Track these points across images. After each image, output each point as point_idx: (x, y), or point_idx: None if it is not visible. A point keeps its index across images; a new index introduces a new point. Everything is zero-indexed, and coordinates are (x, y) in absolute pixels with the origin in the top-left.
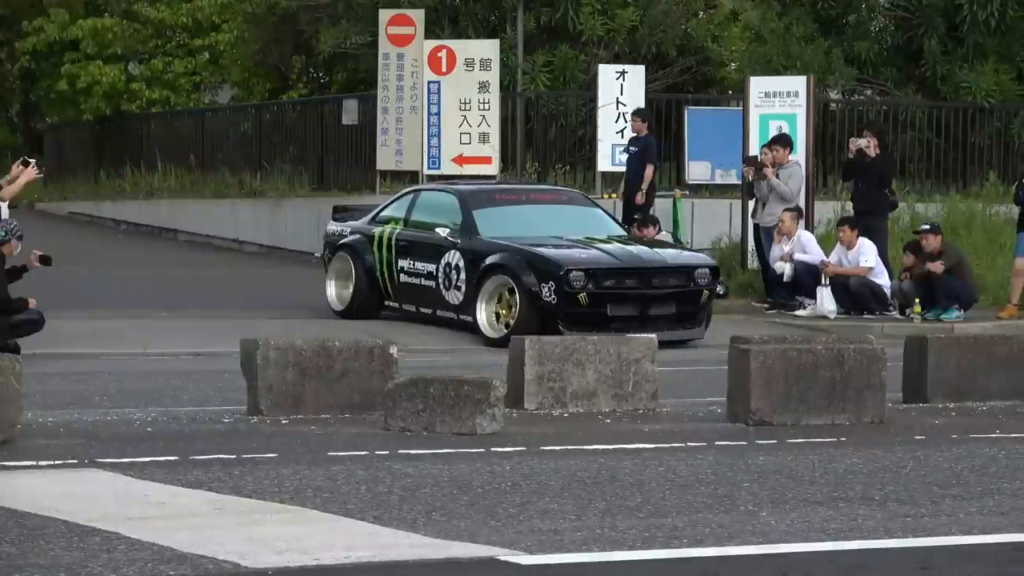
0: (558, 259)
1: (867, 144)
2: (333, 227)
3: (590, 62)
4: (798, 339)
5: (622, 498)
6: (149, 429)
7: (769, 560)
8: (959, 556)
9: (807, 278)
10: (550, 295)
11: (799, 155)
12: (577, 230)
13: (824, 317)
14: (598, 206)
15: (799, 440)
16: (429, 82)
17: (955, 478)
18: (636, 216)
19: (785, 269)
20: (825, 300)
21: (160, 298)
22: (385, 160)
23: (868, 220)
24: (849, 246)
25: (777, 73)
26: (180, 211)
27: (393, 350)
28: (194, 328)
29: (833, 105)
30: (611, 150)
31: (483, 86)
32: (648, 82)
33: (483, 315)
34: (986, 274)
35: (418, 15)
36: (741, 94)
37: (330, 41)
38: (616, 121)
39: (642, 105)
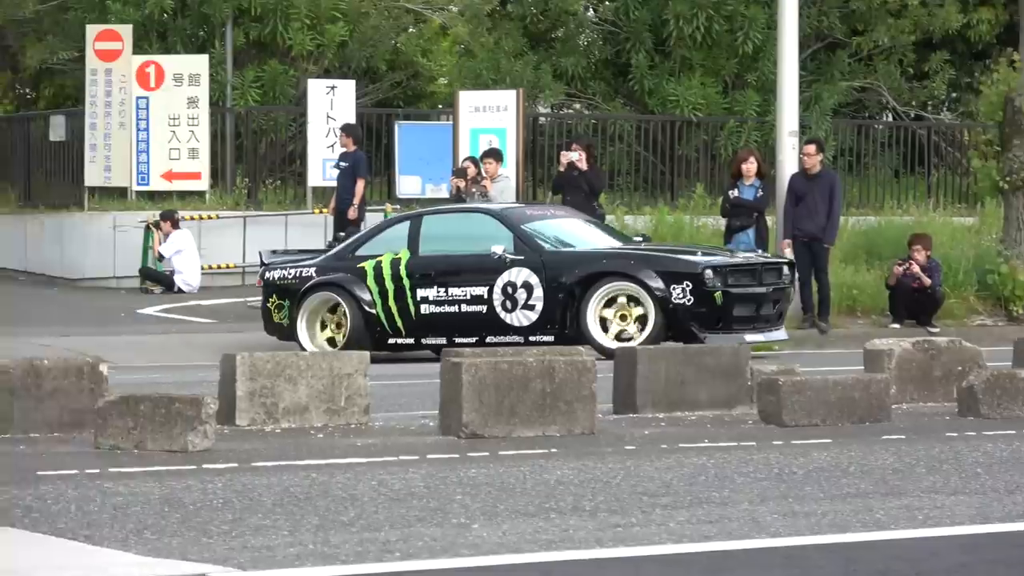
0: (690, 258)
1: (578, 157)
2: (286, 271)
3: (300, 77)
4: (509, 352)
5: (335, 513)
6: None
7: (480, 573)
8: (670, 565)
9: None
10: (684, 296)
11: (509, 168)
12: (606, 241)
13: None
14: (592, 220)
15: (511, 452)
16: (137, 98)
17: (665, 487)
18: (340, 234)
19: None
20: None
21: None
22: (93, 176)
23: None
24: None
25: (487, 87)
26: None
27: (103, 368)
28: None
29: (543, 119)
30: (322, 165)
31: (192, 101)
32: (359, 97)
33: (594, 327)
34: None
35: (126, 30)
36: (451, 108)
37: (36, 56)
38: (326, 136)
39: (352, 120)
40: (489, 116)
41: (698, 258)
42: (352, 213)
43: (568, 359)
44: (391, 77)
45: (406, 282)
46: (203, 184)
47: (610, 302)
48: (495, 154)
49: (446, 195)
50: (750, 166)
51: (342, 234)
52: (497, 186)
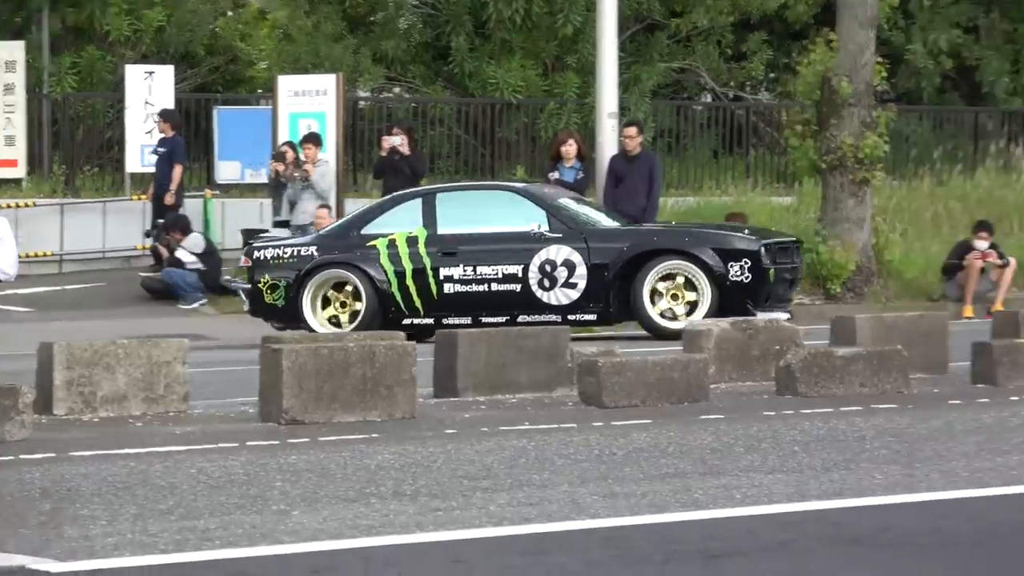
0: (746, 236)
1: (400, 142)
2: (280, 250)
3: (118, 63)
4: (330, 337)
5: (154, 501)
6: None
7: (300, 559)
8: (491, 548)
9: None
10: (742, 274)
11: (329, 153)
12: (609, 220)
13: None
14: (584, 199)
15: (331, 438)
16: None
17: (485, 471)
18: (160, 220)
19: None
20: None
21: None
22: None
23: None
24: None
25: (306, 72)
26: None
27: None
28: None
29: (363, 103)
30: (140, 151)
31: (8, 88)
32: (177, 82)
33: (649, 305)
34: None
35: None
36: (270, 93)
37: None
38: (144, 122)
39: (171, 105)
40: (309, 100)
41: (752, 236)
42: (169, 199)
43: (388, 343)
44: (210, 62)
45: (427, 261)
46: (20, 172)
47: (662, 279)
48: (314, 139)
49: (265, 180)
50: (570, 148)
51: (161, 221)
52: (318, 170)
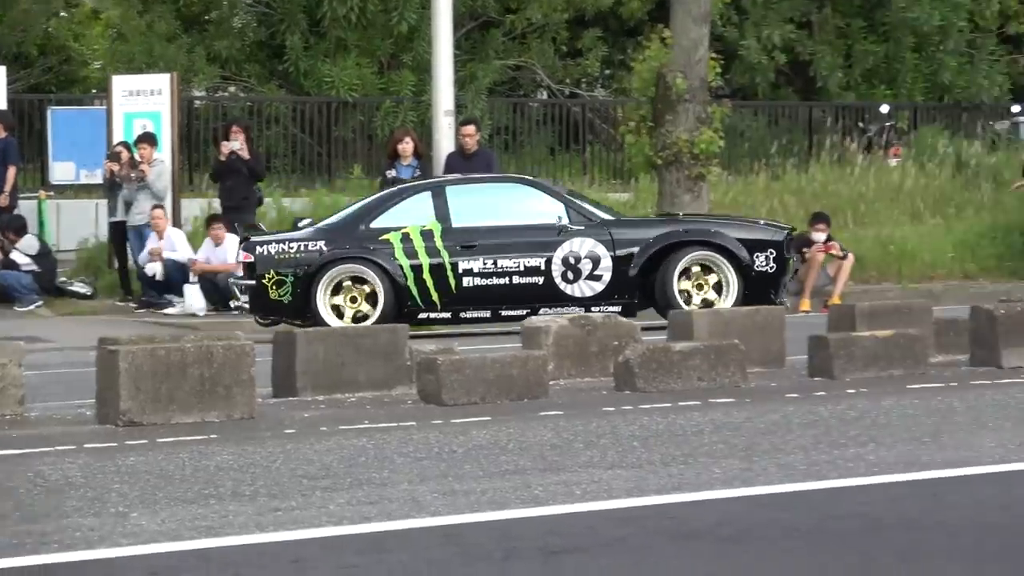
0: (771, 227)
1: (240, 146)
2: (286, 245)
3: None
4: (167, 338)
5: None
6: None
7: (139, 561)
8: (330, 547)
9: (177, 276)
10: (767, 264)
11: (165, 153)
12: (606, 212)
13: (194, 315)
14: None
15: (170, 439)
16: None
17: (325, 470)
18: None
19: (157, 268)
20: (194, 297)
21: None
22: None
23: (238, 216)
24: (218, 243)
25: (140, 71)
26: None
27: None
28: None
29: (198, 103)
30: None
31: None
32: (10, 83)
33: (678, 296)
34: None
35: None
36: (105, 93)
37: None
38: None
39: (3, 106)
40: (143, 100)
41: (773, 226)
42: (3, 200)
43: (226, 344)
44: (43, 62)
45: (444, 254)
46: None
47: (685, 271)
48: (149, 138)
49: (100, 181)
50: (406, 146)
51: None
52: (154, 170)
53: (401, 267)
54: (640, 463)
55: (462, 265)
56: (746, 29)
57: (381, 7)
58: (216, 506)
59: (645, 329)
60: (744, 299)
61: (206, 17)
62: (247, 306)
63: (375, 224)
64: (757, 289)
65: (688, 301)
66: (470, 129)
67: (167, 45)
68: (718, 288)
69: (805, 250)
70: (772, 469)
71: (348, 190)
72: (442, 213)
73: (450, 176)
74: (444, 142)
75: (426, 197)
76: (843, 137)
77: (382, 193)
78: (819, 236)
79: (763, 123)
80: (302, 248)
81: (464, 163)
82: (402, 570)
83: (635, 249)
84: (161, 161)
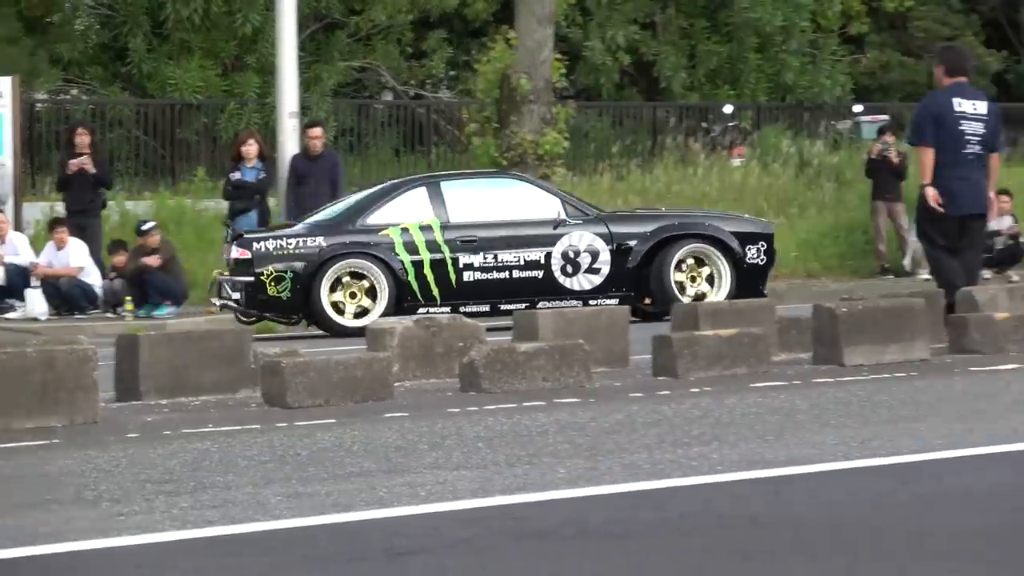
0: (760, 220)
1: (88, 161)
2: (283, 241)
3: None
4: (8, 343)
5: None
6: None
7: None
8: (174, 551)
9: (18, 280)
10: (758, 256)
11: (6, 156)
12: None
13: (35, 319)
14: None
15: (10, 445)
16: None
17: (168, 474)
18: None
19: None
20: (36, 302)
21: None
22: None
23: (82, 220)
24: (60, 246)
25: None
26: None
27: None
28: None
29: (40, 106)
30: None
31: None
32: None
33: (675, 288)
34: (197, 270)
35: None
36: None
37: None
38: None
39: None
40: None
41: (763, 220)
42: None
43: (69, 348)
44: None
45: (445, 249)
46: None
47: (678, 264)
48: None
49: None
50: (250, 148)
51: None
52: None
53: (402, 262)
54: (485, 464)
55: (463, 260)
56: (590, 30)
57: (225, 9)
58: (58, 511)
59: (490, 330)
60: (737, 291)
61: (48, 20)
62: (232, 303)
63: (371, 220)
64: (747, 281)
65: (682, 293)
66: (317, 131)
67: (9, 48)
68: (710, 280)
69: None
70: (617, 468)
71: (192, 193)
72: (439, 208)
73: (442, 172)
74: (289, 144)
75: (422, 193)
76: (687, 137)
77: (375, 189)
78: None
79: (607, 124)
80: (301, 244)
81: (309, 165)
82: (247, 574)
83: (632, 243)
84: (3, 164)
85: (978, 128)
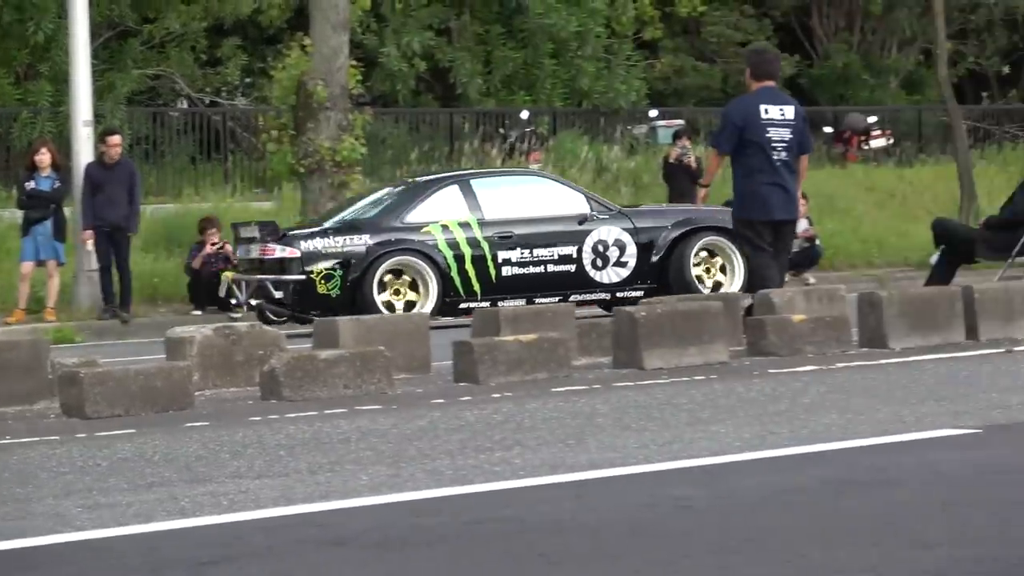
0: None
1: None
2: (329, 239)
3: None
4: None
5: None
6: None
7: None
8: None
9: None
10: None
11: None
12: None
13: None
14: None
15: None
16: None
17: None
18: None
19: None
20: None
21: None
22: None
23: None
24: None
25: None
26: None
27: None
28: None
29: None
30: None
31: None
32: None
33: (695, 279)
34: None
35: None
36: None
37: None
38: None
39: None
40: None
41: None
42: None
43: None
44: None
45: (485, 245)
46: None
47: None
48: None
49: None
50: (44, 157)
51: None
52: None
53: (446, 258)
54: (287, 472)
55: (501, 255)
56: (386, 36)
57: (17, 16)
58: None
59: (291, 336)
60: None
61: None
62: (267, 303)
63: (409, 219)
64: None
65: (700, 284)
66: (116, 139)
67: None
68: (722, 270)
69: None
70: (420, 475)
71: None
72: (473, 205)
73: (470, 170)
74: (83, 152)
75: (454, 191)
76: (484, 143)
77: (406, 188)
78: None
79: (404, 130)
80: (347, 242)
81: (105, 173)
82: None
83: (655, 236)
84: None
85: (785, 134)
